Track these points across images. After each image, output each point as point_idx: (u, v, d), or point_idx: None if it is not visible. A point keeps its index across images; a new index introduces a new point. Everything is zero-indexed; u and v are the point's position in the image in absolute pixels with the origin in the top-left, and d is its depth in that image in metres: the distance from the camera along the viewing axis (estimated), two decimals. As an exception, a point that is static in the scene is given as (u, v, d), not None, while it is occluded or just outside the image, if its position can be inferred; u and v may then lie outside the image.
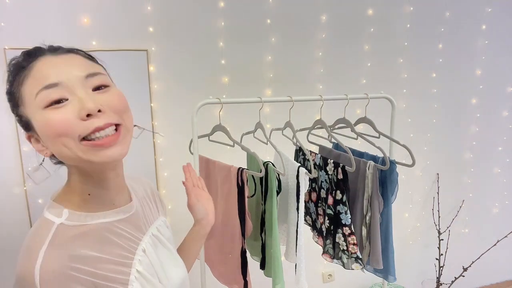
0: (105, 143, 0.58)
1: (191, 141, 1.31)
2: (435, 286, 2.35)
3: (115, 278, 0.63)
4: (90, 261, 0.60)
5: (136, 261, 0.68)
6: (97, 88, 0.61)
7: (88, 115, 0.57)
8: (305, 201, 1.36)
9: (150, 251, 0.73)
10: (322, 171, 1.37)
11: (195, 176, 1.07)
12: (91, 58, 0.67)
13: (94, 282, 0.60)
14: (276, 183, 1.21)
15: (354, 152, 1.48)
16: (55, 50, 0.63)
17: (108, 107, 0.60)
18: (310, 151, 1.45)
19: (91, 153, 0.59)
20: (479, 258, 2.32)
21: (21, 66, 0.61)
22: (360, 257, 1.30)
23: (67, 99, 0.58)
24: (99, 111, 0.58)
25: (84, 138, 0.58)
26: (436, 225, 2.40)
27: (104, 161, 0.60)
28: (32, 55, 0.62)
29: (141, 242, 0.71)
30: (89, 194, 0.66)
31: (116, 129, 0.61)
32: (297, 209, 1.21)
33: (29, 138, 0.64)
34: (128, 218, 0.71)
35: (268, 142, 1.30)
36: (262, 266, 1.34)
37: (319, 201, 1.42)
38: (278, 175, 1.23)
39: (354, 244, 1.28)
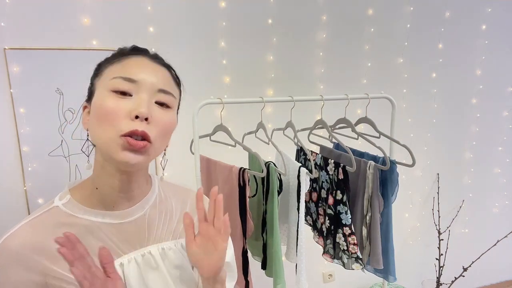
0: (135, 145, 0.60)
1: (192, 141, 1.31)
2: (435, 286, 2.35)
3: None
4: (53, 256, 0.61)
5: None
6: (160, 104, 0.65)
7: (136, 117, 0.60)
8: (305, 201, 1.36)
9: (132, 269, 0.68)
10: (323, 171, 1.37)
11: (219, 209, 0.68)
12: (177, 80, 0.73)
13: (46, 275, 0.60)
14: (277, 183, 1.21)
15: (355, 152, 1.48)
16: (155, 57, 0.70)
17: (155, 122, 0.63)
18: (311, 151, 1.45)
19: (118, 150, 0.60)
20: (479, 258, 2.32)
21: (123, 53, 0.69)
22: (360, 257, 1.30)
23: (131, 95, 0.62)
24: (146, 119, 0.61)
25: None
26: (436, 225, 2.41)
27: (122, 162, 0.61)
28: (135, 52, 0.69)
29: (124, 256, 0.68)
30: (96, 188, 0.68)
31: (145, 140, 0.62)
32: (298, 209, 1.21)
33: (84, 108, 0.69)
34: (119, 226, 0.69)
35: (270, 142, 1.30)
36: (263, 266, 1.34)
37: (320, 201, 1.42)
38: (280, 175, 1.23)
39: (354, 244, 1.28)
